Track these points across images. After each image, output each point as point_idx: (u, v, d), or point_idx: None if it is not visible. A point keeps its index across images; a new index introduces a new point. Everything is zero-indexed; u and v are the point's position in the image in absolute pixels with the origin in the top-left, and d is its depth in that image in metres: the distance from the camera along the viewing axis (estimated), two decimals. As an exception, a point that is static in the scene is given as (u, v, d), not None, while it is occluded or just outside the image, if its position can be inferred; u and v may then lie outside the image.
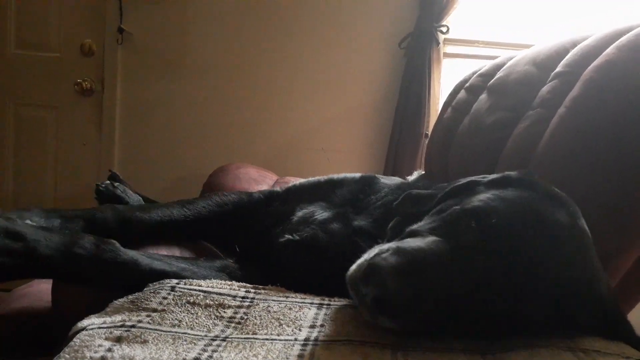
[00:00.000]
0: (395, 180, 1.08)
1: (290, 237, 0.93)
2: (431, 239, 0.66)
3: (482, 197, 0.71)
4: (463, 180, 0.82)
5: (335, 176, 1.10)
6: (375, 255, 0.64)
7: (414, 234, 0.70)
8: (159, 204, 1.09)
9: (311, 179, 1.12)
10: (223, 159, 2.41)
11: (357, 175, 1.10)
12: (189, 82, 2.65)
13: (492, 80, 1.53)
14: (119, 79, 2.67)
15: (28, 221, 0.83)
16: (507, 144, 1.23)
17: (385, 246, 0.66)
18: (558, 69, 1.21)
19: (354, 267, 0.66)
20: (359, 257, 0.68)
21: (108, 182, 1.46)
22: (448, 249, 0.64)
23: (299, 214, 0.99)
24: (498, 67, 1.57)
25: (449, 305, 0.62)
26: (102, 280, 0.82)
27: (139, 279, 0.79)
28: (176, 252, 1.00)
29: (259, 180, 2.14)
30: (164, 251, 0.96)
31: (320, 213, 0.97)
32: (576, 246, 0.68)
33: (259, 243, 1.02)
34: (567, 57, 1.21)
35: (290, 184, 1.11)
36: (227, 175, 2.10)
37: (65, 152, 2.74)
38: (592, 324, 0.67)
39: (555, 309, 0.64)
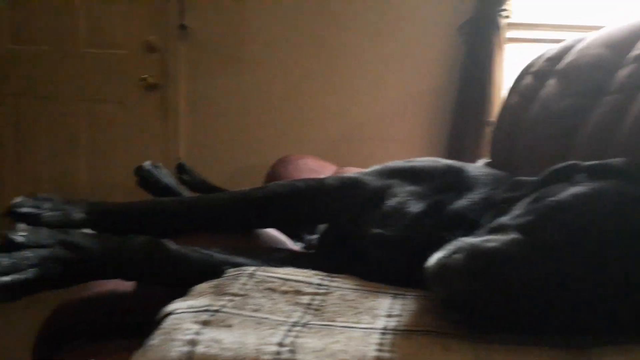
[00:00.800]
0: (485, 171, 1.01)
1: (381, 231, 0.88)
2: (512, 237, 0.63)
3: (579, 191, 0.67)
4: (562, 164, 0.78)
5: (417, 163, 1.02)
6: (450, 253, 0.63)
7: (500, 229, 0.67)
8: (215, 193, 1.10)
9: (388, 164, 1.05)
10: (283, 150, 2.44)
11: (441, 161, 1.03)
12: (249, 76, 2.71)
13: (561, 64, 1.47)
14: (182, 74, 2.76)
15: (86, 230, 0.85)
16: (581, 131, 1.18)
17: (462, 242, 0.65)
18: (635, 51, 1.15)
19: (432, 260, 0.66)
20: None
21: (149, 162, 1.47)
22: (528, 251, 0.60)
23: (391, 202, 0.92)
24: (566, 51, 1.51)
25: (523, 306, 0.60)
26: (157, 278, 0.85)
27: (192, 275, 0.80)
28: (232, 240, 1.00)
29: (318, 171, 2.17)
30: (208, 240, 0.96)
31: (415, 203, 0.91)
32: None
33: (338, 232, 1.00)
34: (646, 38, 1.15)
35: (367, 170, 1.05)
36: (288, 166, 2.14)
37: (134, 145, 2.87)
38: None
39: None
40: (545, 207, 0.66)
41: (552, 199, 0.67)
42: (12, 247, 0.73)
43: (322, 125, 2.70)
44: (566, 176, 0.74)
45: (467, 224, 0.82)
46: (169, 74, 2.77)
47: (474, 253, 0.61)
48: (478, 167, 1.04)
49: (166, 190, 1.43)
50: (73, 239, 0.80)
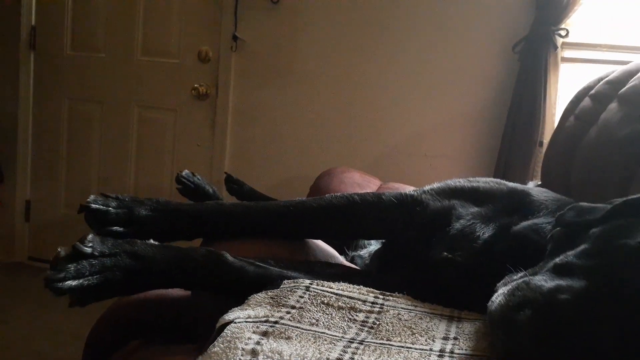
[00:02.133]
0: (549, 194, 0.97)
1: (450, 255, 0.86)
2: (585, 289, 0.58)
3: None
4: (637, 197, 0.73)
5: (480, 184, 0.99)
6: (511, 292, 0.61)
7: (568, 269, 0.63)
8: (270, 201, 1.11)
9: (448, 182, 1.02)
10: (328, 163, 2.46)
11: (504, 185, 1.00)
12: (297, 88, 2.75)
13: (624, 88, 1.43)
14: (232, 84, 2.82)
15: (151, 240, 0.86)
16: (645, 159, 1.14)
17: (528, 285, 0.61)
18: None
19: (497, 298, 0.63)
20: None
21: (187, 171, 1.52)
22: (603, 304, 0.56)
23: (457, 225, 0.90)
24: (630, 75, 1.46)
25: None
26: (213, 288, 0.86)
27: (248, 287, 0.81)
28: (277, 251, 1.01)
29: (363, 185, 2.16)
30: (263, 249, 0.98)
31: (482, 227, 0.88)
32: None
33: (394, 250, 1.00)
34: None
35: (423, 189, 1.02)
36: (333, 179, 2.14)
37: (181, 152, 2.95)
38: None
39: None
40: (620, 251, 0.62)
41: (629, 242, 0.62)
42: (80, 256, 0.76)
43: (368, 140, 2.70)
44: (638, 211, 0.70)
45: (533, 247, 0.80)
46: (219, 84, 2.84)
47: (542, 310, 0.57)
48: (542, 190, 1.00)
49: (208, 197, 1.48)
50: (137, 249, 0.82)
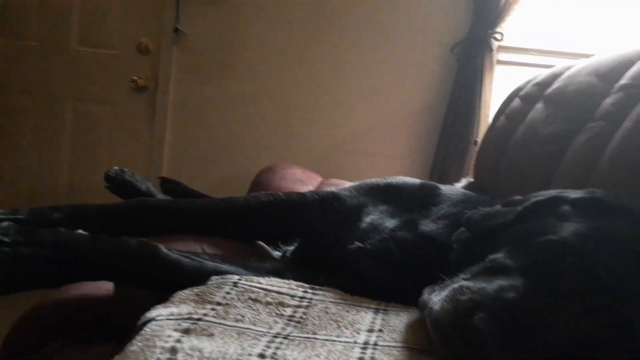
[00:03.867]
0: (456, 190, 1.05)
1: (360, 244, 0.91)
2: (526, 286, 0.61)
3: (578, 230, 0.66)
4: (545, 195, 0.78)
5: (394, 181, 1.08)
6: (453, 296, 0.61)
7: (501, 270, 0.65)
8: (197, 199, 1.10)
9: (367, 181, 1.10)
10: (270, 158, 2.45)
11: (417, 181, 1.08)
12: (240, 83, 2.71)
13: (549, 89, 1.50)
14: (173, 77, 2.75)
15: (80, 230, 0.84)
16: (565, 157, 1.20)
17: (472, 289, 0.61)
18: (623, 81, 1.18)
19: (436, 304, 0.63)
20: (428, 270, 0.68)
21: (117, 168, 1.47)
22: (547, 301, 0.59)
23: (367, 219, 0.98)
24: (555, 77, 1.54)
25: (540, 354, 0.58)
26: (146, 282, 0.84)
27: (182, 281, 0.80)
28: (207, 247, 1.00)
29: (305, 181, 2.17)
30: (193, 245, 0.97)
31: (389, 220, 0.96)
32: None
33: (316, 244, 1.02)
34: (632, 69, 1.18)
35: (347, 186, 1.10)
36: (274, 175, 2.13)
37: (119, 147, 2.84)
38: None
39: None
40: (546, 247, 0.65)
41: (552, 237, 0.66)
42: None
43: (310, 136, 2.70)
44: (550, 209, 0.74)
45: (438, 245, 0.86)
46: (159, 77, 2.76)
47: (497, 311, 0.58)
48: (451, 187, 1.08)
49: (141, 195, 1.43)
50: (61, 238, 0.79)
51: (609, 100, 1.16)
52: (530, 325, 0.58)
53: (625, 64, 1.21)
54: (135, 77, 2.77)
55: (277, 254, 1.22)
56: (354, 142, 2.68)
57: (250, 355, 0.60)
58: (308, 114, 2.70)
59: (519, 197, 0.83)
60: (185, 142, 2.79)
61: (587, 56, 1.58)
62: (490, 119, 2.12)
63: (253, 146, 2.73)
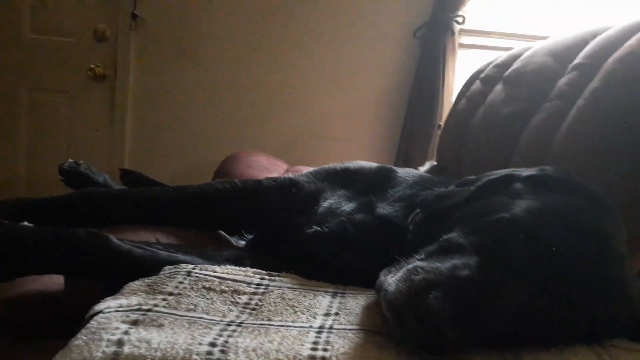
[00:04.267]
0: (412, 172, 1.06)
1: (319, 228, 0.91)
2: (479, 264, 0.61)
3: (530, 207, 0.66)
4: (498, 173, 0.78)
5: (352, 165, 1.08)
6: (416, 284, 0.59)
7: (455, 249, 0.65)
8: (145, 188, 1.08)
9: (325, 166, 1.10)
10: (235, 146, 2.41)
11: (374, 165, 1.08)
12: (201, 70, 2.65)
13: (508, 71, 1.51)
14: (132, 65, 2.67)
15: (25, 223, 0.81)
16: (523, 136, 1.22)
17: (427, 269, 0.61)
18: (577, 60, 1.19)
19: (391, 285, 0.62)
20: (385, 252, 0.67)
21: (71, 161, 1.42)
22: (500, 276, 0.60)
23: (325, 204, 0.97)
24: (514, 58, 1.55)
25: (493, 330, 0.60)
26: (97, 274, 0.81)
27: (135, 271, 0.77)
28: (162, 237, 0.97)
29: (270, 169, 2.14)
30: (145, 236, 0.94)
31: (346, 204, 0.95)
32: (622, 262, 0.66)
33: (275, 231, 1.01)
34: (586, 48, 1.19)
35: (305, 172, 1.09)
36: (238, 163, 2.10)
37: (78, 137, 2.76)
38: (622, 330, 0.66)
39: (596, 324, 0.63)
40: (499, 225, 0.65)
41: (504, 215, 0.66)
42: None
43: (274, 123, 2.67)
44: (502, 187, 0.74)
45: (395, 227, 0.86)
46: (118, 65, 2.68)
47: (450, 289, 0.57)
48: (408, 170, 1.09)
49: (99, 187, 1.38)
50: (7, 230, 0.75)
51: (563, 80, 1.17)
52: (482, 302, 0.58)
53: (579, 44, 1.22)
54: (92, 65, 2.68)
55: (242, 243, 1.20)
56: (320, 128, 2.66)
57: (200, 344, 0.59)
58: (272, 100, 2.66)
59: (473, 177, 0.83)
60: (146, 131, 2.72)
61: (546, 38, 1.59)
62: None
63: (217, 134, 2.68)
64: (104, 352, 0.57)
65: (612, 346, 0.64)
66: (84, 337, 0.59)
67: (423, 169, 1.76)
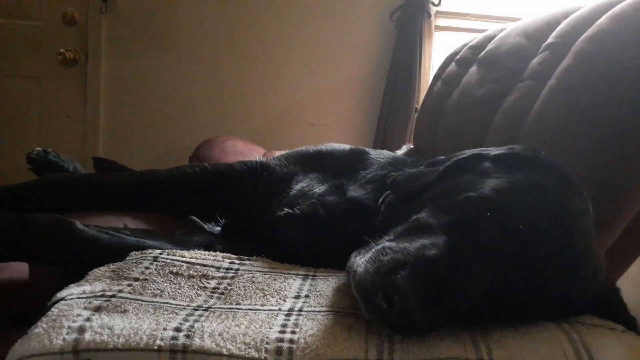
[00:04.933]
0: (385, 154, 1.05)
1: (290, 211, 0.89)
2: (447, 243, 0.60)
3: (498, 185, 0.66)
4: (466, 153, 0.77)
5: (324, 148, 1.07)
6: (385, 265, 0.58)
7: (424, 229, 0.64)
8: (112, 172, 1.05)
9: (298, 149, 1.09)
10: (211, 132, 2.37)
11: (347, 147, 1.07)
12: (176, 54, 2.60)
13: (483, 52, 1.51)
14: (104, 49, 2.60)
15: None
16: (497, 117, 1.22)
17: (396, 249, 0.60)
18: (549, 40, 1.19)
19: (360, 266, 0.62)
20: (357, 234, 0.66)
21: (39, 149, 1.39)
22: (467, 254, 0.59)
23: (297, 187, 0.95)
24: (489, 40, 1.55)
25: (461, 309, 0.59)
26: (61, 260, 0.79)
27: (101, 257, 0.75)
28: (130, 222, 0.95)
29: (246, 154, 2.12)
30: (114, 221, 0.92)
31: (318, 186, 0.94)
32: (589, 239, 0.67)
33: (247, 215, 0.99)
34: (558, 27, 1.19)
35: (277, 155, 1.08)
36: (214, 148, 2.07)
37: (50, 124, 2.69)
38: (591, 308, 0.67)
39: (563, 301, 0.63)
40: (466, 204, 0.65)
41: (472, 194, 0.66)
42: None
43: (251, 108, 2.64)
44: (471, 166, 0.74)
45: (366, 209, 0.85)
46: (89, 50, 2.60)
47: (422, 275, 0.56)
48: (380, 151, 1.08)
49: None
50: None
51: (536, 60, 1.17)
52: (449, 281, 0.57)
53: (551, 24, 1.22)
54: (62, 50, 2.60)
55: (217, 229, 1.19)
56: (297, 112, 2.64)
57: (165, 329, 0.57)
58: (250, 85, 2.63)
59: (442, 157, 0.83)
60: (120, 116, 2.66)
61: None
62: (429, 85, 2.13)
63: (193, 120, 2.64)
64: (64, 339, 0.55)
65: (579, 323, 0.65)
66: (44, 325, 0.57)
67: (401, 152, 1.76)
